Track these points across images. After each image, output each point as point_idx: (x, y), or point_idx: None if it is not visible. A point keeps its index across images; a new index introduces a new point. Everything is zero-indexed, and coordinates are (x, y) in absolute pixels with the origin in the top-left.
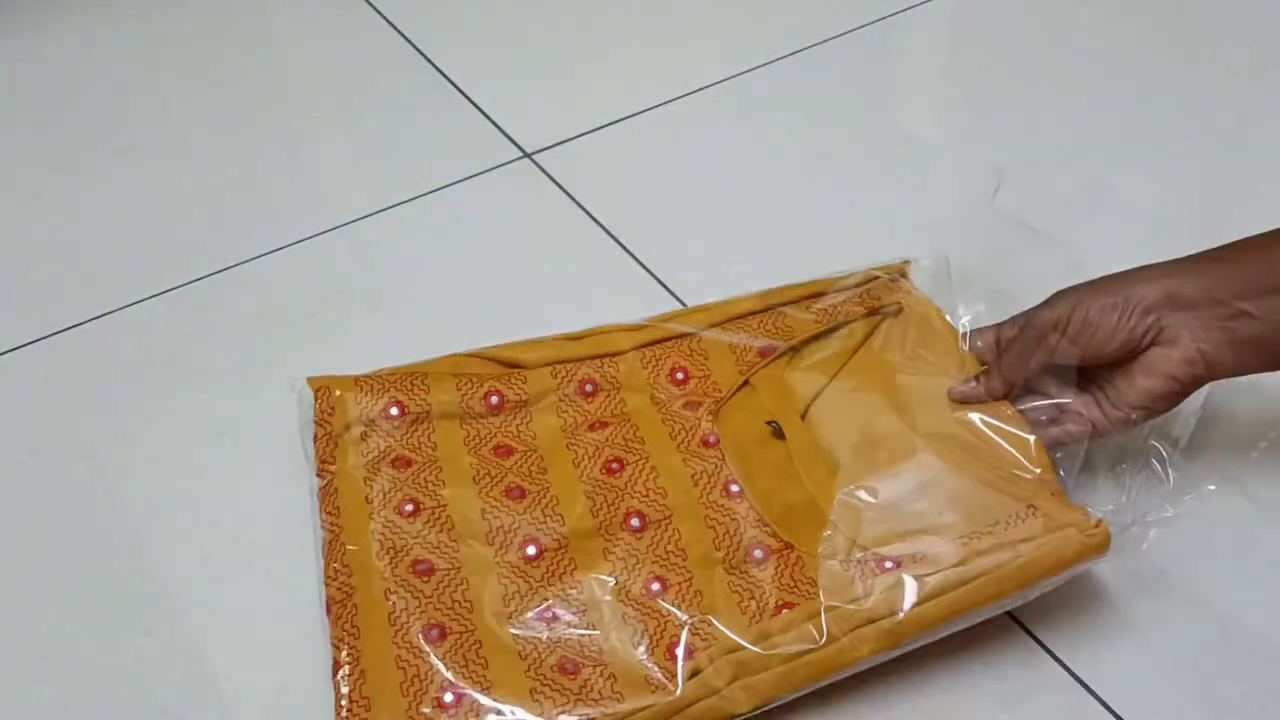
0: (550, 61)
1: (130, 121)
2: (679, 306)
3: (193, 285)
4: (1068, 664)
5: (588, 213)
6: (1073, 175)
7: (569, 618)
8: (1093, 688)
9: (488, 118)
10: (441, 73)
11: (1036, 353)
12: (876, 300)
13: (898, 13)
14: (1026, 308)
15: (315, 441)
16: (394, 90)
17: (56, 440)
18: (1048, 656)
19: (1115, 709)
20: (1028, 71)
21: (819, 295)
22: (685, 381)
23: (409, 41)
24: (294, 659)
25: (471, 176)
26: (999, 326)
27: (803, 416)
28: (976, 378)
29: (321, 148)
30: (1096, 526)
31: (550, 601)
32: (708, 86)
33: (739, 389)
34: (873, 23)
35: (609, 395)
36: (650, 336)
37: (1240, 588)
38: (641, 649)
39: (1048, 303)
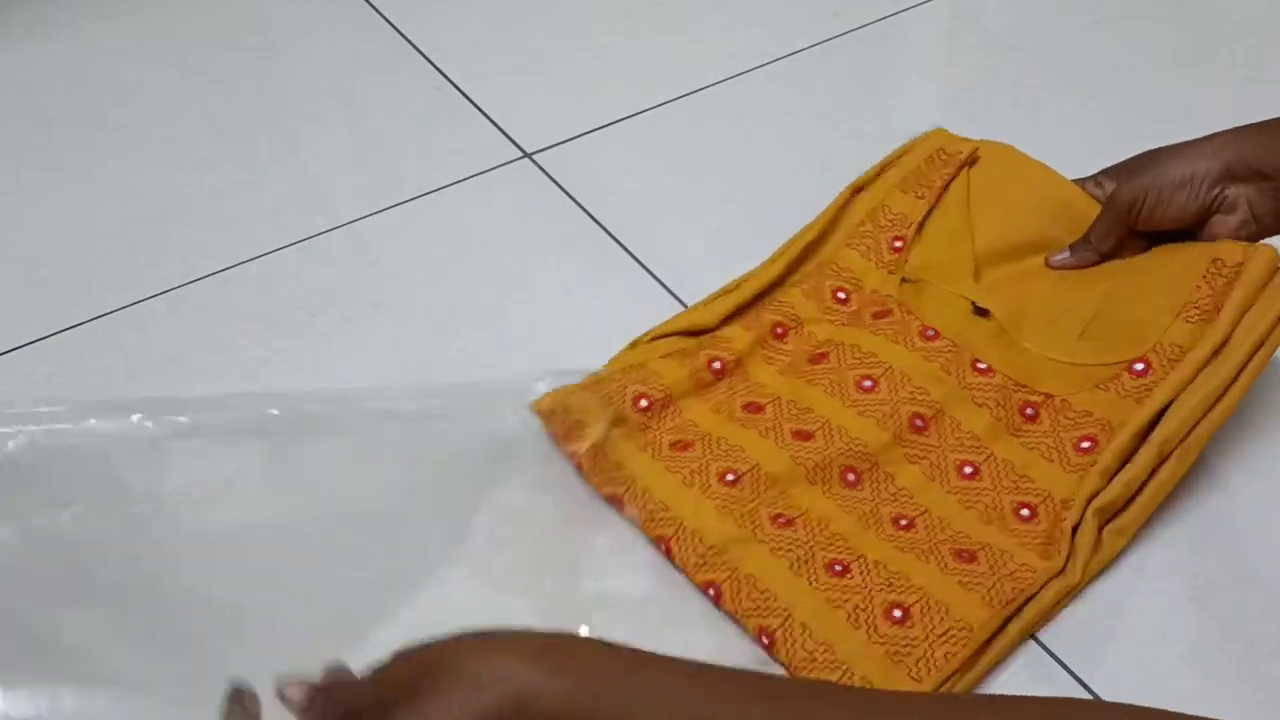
0: (550, 61)
1: (130, 122)
2: (679, 307)
3: (193, 285)
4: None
5: (588, 213)
6: (1071, 175)
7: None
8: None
9: (488, 118)
10: (441, 73)
11: (1119, 229)
12: (956, 154)
13: (898, 13)
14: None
15: (575, 457)
16: (394, 90)
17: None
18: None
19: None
20: (1028, 71)
21: (899, 177)
22: (848, 300)
23: (409, 41)
24: (294, 658)
25: (471, 176)
26: (1084, 183)
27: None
28: (1071, 248)
29: (321, 148)
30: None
31: (897, 512)
32: (708, 86)
33: (903, 283)
34: (873, 23)
35: (798, 331)
36: (787, 261)
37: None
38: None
39: (1126, 177)
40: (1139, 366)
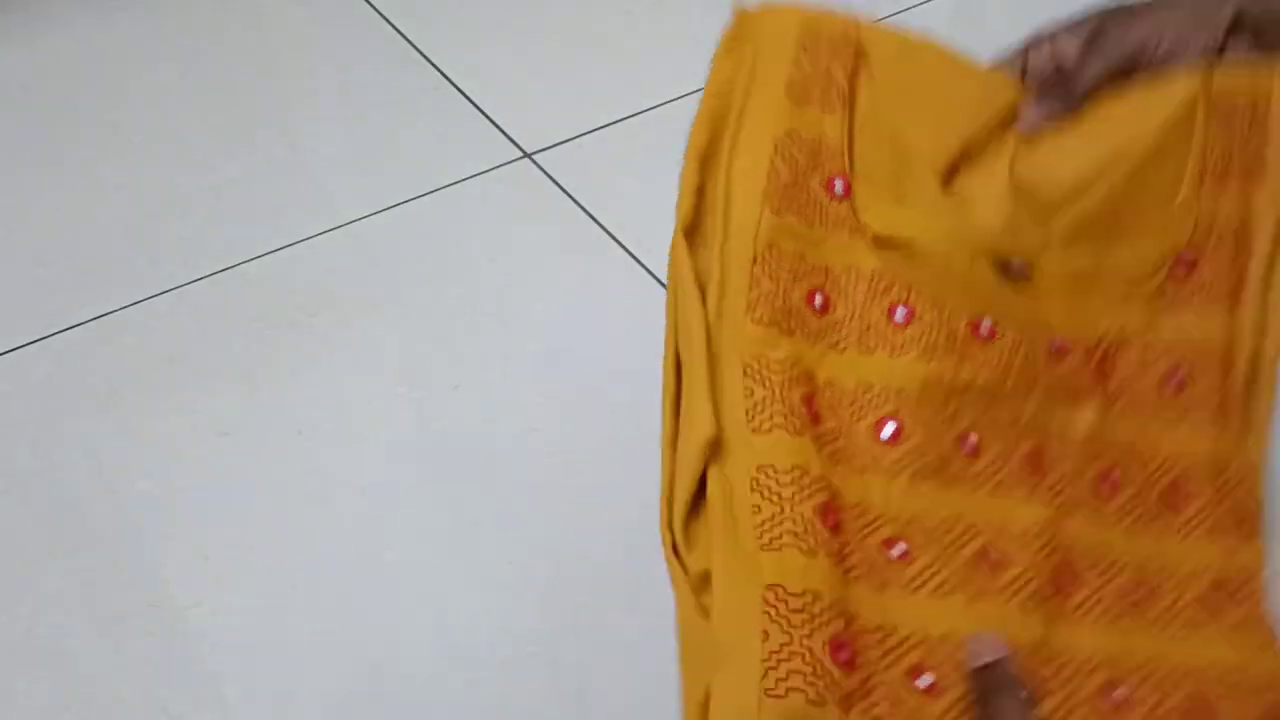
0: (550, 61)
1: (130, 121)
2: None
3: (193, 285)
4: None
5: (588, 213)
6: None
7: None
8: None
9: (488, 118)
10: (441, 73)
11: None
12: (842, 40)
13: (898, 13)
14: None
15: None
16: (394, 90)
17: (56, 440)
18: None
19: None
20: None
21: None
22: (829, 305)
23: (409, 41)
24: (294, 658)
25: (471, 176)
26: (1054, 40)
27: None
28: (1037, 102)
29: (321, 148)
30: None
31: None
32: None
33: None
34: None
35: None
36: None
37: None
38: None
39: (1123, 22)
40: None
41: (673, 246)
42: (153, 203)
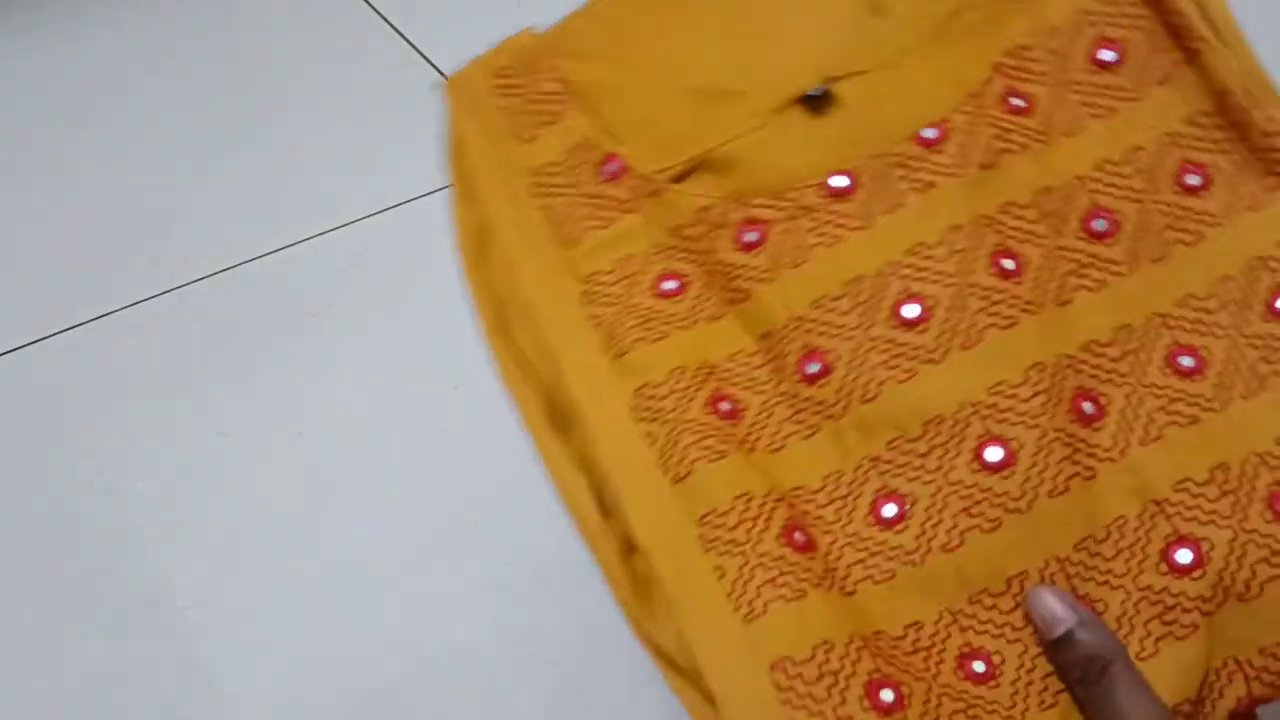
0: None
1: (130, 121)
2: None
3: (193, 285)
4: None
5: None
6: None
7: None
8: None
9: None
10: (441, 73)
11: None
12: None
13: None
14: None
15: None
16: (394, 90)
17: (56, 440)
18: None
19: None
20: None
21: None
22: (685, 286)
23: (409, 42)
24: (294, 658)
25: None
26: None
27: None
28: None
29: (321, 148)
30: None
31: None
32: None
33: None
34: None
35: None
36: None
37: None
38: None
39: None
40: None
41: (496, 354)
42: (152, 203)
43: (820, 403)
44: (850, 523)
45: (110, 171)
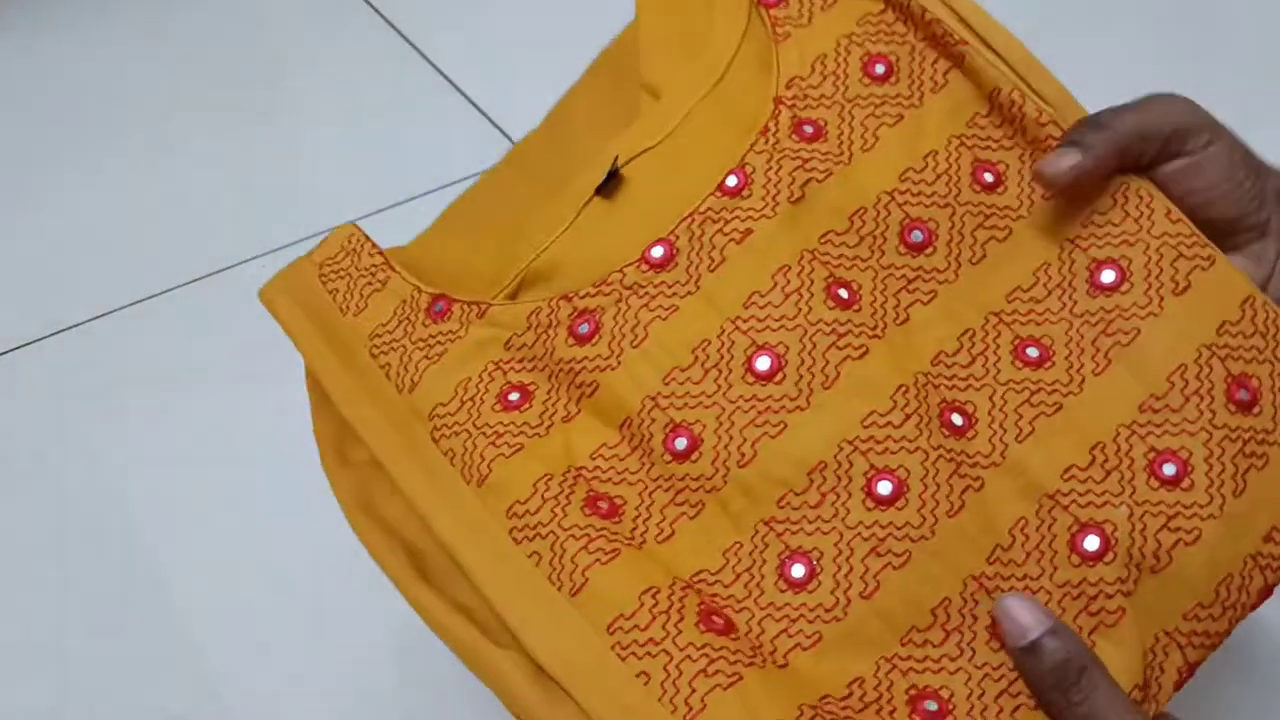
0: (551, 62)
1: (130, 121)
2: None
3: (193, 285)
4: None
5: None
6: None
7: None
8: None
9: (488, 118)
10: (441, 73)
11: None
12: None
13: None
14: None
15: None
16: (394, 90)
17: (56, 440)
18: None
19: None
20: None
21: None
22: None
23: (409, 42)
24: (294, 658)
25: (471, 176)
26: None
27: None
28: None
29: (321, 148)
30: None
31: None
32: None
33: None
34: None
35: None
36: None
37: None
38: None
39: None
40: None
41: (361, 538)
42: (152, 203)
43: (698, 477)
44: (762, 594)
45: (110, 172)
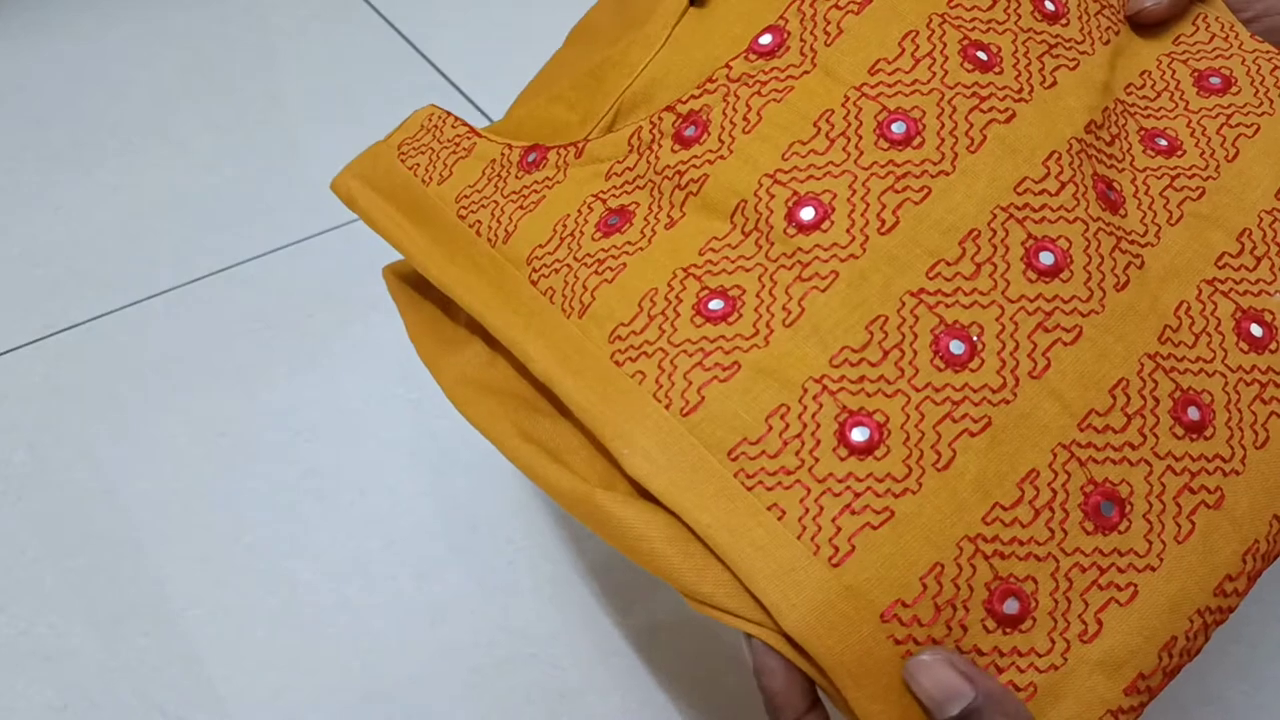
0: None
1: (130, 121)
2: None
3: (193, 285)
4: None
5: None
6: None
7: None
8: None
9: (488, 118)
10: (441, 73)
11: None
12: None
13: None
14: None
15: None
16: (394, 90)
17: (56, 440)
18: None
19: None
20: None
21: None
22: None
23: (409, 42)
24: (293, 659)
25: None
26: None
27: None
28: None
29: (321, 148)
30: None
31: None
32: None
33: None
34: None
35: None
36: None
37: None
38: None
39: None
40: None
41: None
42: (151, 203)
43: (829, 246)
44: (916, 372)
45: (109, 172)
